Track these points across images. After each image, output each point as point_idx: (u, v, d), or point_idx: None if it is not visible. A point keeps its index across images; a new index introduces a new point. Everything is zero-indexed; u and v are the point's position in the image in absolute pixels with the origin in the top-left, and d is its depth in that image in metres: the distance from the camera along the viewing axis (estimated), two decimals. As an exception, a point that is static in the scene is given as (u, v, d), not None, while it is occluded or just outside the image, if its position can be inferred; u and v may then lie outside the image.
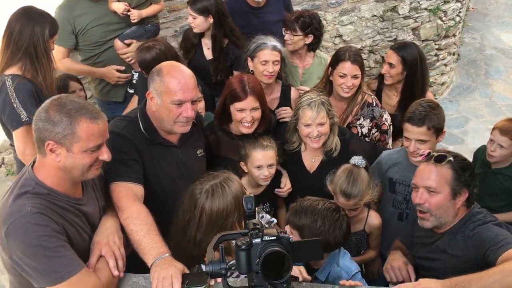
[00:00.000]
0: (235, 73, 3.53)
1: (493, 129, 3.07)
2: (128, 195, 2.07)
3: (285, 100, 3.29)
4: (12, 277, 1.87)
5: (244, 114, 2.70)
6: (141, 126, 2.32)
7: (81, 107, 1.75)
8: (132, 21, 3.58)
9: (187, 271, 1.85)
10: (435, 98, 6.56)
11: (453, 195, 2.07)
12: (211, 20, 3.43)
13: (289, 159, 2.94)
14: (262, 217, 2.61)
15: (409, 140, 2.57)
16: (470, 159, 3.53)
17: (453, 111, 6.50)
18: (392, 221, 2.80)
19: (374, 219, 2.74)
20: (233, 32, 3.54)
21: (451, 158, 2.08)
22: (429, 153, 2.17)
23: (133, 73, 3.67)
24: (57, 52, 3.32)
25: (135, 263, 1.98)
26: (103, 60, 3.64)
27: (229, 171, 2.25)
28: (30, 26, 2.71)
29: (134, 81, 3.67)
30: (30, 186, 1.77)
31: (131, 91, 3.65)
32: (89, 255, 1.89)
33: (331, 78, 3.12)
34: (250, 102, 2.69)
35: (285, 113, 3.17)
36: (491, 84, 7.05)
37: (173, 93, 2.19)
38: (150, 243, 1.91)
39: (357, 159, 2.60)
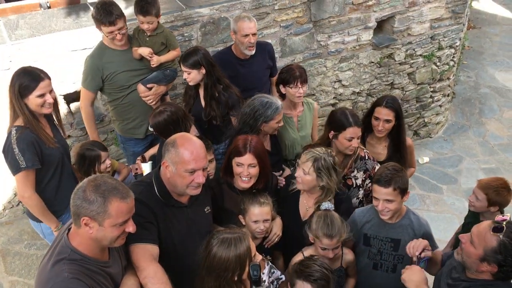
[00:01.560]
0: (233, 119, 3.82)
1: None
2: (146, 255, 2.33)
3: None
4: None
5: (242, 169, 2.97)
6: (156, 190, 2.57)
7: (113, 188, 2.02)
8: (152, 66, 3.88)
9: None
10: (430, 137, 6.84)
11: (482, 259, 2.23)
12: (203, 71, 3.72)
13: (288, 200, 3.22)
14: (273, 273, 2.84)
15: (377, 200, 2.85)
16: (462, 198, 3.81)
17: (448, 150, 6.73)
18: (367, 270, 3.11)
19: (348, 255, 3.06)
20: (222, 79, 3.84)
21: (502, 237, 2.18)
22: (502, 227, 2.23)
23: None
24: (85, 96, 3.79)
25: None
26: (128, 101, 3.97)
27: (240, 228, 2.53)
28: (12, 88, 2.99)
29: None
30: (66, 253, 2.03)
31: (151, 129, 3.91)
32: None
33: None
34: (248, 158, 2.97)
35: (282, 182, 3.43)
36: (484, 123, 7.29)
37: (187, 163, 2.45)
38: None
39: (326, 205, 2.92)
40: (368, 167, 3.42)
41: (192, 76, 3.73)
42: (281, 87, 3.84)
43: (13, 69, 3.80)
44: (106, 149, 3.62)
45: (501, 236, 2.17)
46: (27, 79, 2.96)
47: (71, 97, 4.51)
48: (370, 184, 3.42)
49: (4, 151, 3.04)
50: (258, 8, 4.76)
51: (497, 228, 2.19)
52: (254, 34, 3.95)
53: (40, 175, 3.12)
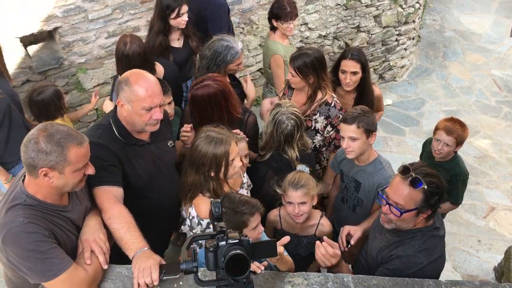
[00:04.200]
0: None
1: (437, 129, 3.43)
2: (109, 197, 2.35)
3: None
4: (8, 272, 2.15)
5: None
6: (115, 131, 2.56)
7: (68, 134, 1.99)
8: None
9: (163, 262, 2.16)
10: (395, 81, 6.95)
11: (417, 213, 2.31)
12: None
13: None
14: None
15: (343, 138, 2.93)
16: (424, 140, 3.93)
17: (411, 93, 6.88)
18: (338, 202, 3.28)
19: (325, 226, 2.99)
20: None
21: (425, 186, 2.22)
22: (408, 169, 2.27)
23: None
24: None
25: (116, 255, 2.27)
26: None
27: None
28: None
29: None
30: (22, 199, 2.02)
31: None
32: (76, 251, 2.17)
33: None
34: None
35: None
36: (448, 66, 7.44)
37: (142, 101, 2.42)
38: (130, 239, 2.20)
39: (301, 166, 2.92)
40: (330, 114, 3.44)
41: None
42: (273, 21, 4.01)
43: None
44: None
45: (424, 187, 2.22)
46: None
47: (28, 40, 4.34)
48: (332, 133, 3.45)
49: None
50: None
51: (414, 182, 2.23)
52: None
53: None
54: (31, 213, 2.00)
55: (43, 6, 4.15)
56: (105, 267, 2.16)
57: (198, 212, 2.64)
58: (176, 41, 3.88)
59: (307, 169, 2.91)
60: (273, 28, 4.04)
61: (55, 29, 4.30)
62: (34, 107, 3.46)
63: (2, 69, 3.17)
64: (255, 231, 2.47)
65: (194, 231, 2.67)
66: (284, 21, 3.94)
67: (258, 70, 5.65)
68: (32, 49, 4.43)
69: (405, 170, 2.28)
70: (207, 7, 4.00)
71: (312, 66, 3.28)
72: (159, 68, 3.43)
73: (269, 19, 4.06)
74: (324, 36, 5.86)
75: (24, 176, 2.09)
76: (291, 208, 2.84)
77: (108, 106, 3.55)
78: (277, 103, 3.16)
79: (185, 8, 3.66)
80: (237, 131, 3.03)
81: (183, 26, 3.74)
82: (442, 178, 2.31)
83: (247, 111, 3.25)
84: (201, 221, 2.63)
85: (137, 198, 2.61)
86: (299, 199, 2.80)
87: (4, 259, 2.02)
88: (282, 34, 4.05)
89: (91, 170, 2.12)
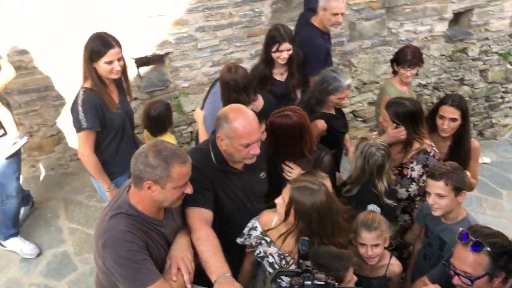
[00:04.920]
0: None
1: None
2: (200, 219, 2.43)
3: None
4: (101, 275, 2.28)
5: None
6: (212, 156, 2.66)
7: (173, 153, 2.11)
8: None
9: None
10: (495, 139, 6.58)
11: (490, 278, 2.16)
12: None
13: None
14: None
15: (429, 194, 2.80)
16: None
17: (512, 154, 6.46)
18: (419, 257, 3.12)
19: (395, 266, 2.89)
20: None
21: (488, 248, 2.12)
22: (467, 235, 2.20)
23: None
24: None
25: (199, 276, 2.33)
26: None
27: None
28: (85, 51, 3.08)
29: None
30: (125, 208, 2.16)
31: None
32: (163, 265, 2.26)
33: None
34: None
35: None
36: (556, 130, 6.91)
37: (241, 138, 2.50)
38: (215, 262, 2.24)
39: (372, 206, 2.84)
40: (429, 163, 3.33)
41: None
42: (394, 64, 4.11)
43: (92, 30, 4.04)
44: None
45: (487, 249, 2.10)
46: (98, 45, 3.05)
47: (141, 61, 4.69)
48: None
49: (71, 109, 3.20)
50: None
51: (476, 245, 2.12)
52: (342, 14, 4.05)
53: (100, 137, 3.25)
54: (131, 223, 2.13)
55: (159, 33, 4.48)
56: (188, 286, 2.22)
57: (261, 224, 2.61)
58: (279, 75, 3.98)
59: (378, 209, 2.84)
60: (394, 72, 4.14)
61: (167, 54, 4.62)
62: (152, 121, 3.74)
63: (126, 87, 3.40)
64: (349, 283, 2.36)
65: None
66: (402, 67, 4.01)
67: (351, 112, 5.62)
68: (143, 70, 4.79)
69: (464, 236, 2.18)
70: (303, 47, 4.12)
71: (405, 117, 3.22)
72: (259, 101, 3.54)
73: (391, 61, 4.18)
74: (424, 85, 5.72)
75: (129, 187, 2.23)
76: (364, 250, 2.76)
77: (198, 114, 3.73)
78: (362, 137, 3.14)
79: (286, 45, 3.75)
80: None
81: (282, 62, 3.84)
82: (506, 236, 2.18)
83: (323, 150, 3.21)
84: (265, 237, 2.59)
85: (223, 224, 2.67)
86: (372, 241, 2.73)
87: (101, 263, 2.15)
88: (400, 80, 4.10)
89: (189, 189, 2.21)
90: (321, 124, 3.50)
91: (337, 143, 3.78)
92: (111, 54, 3.06)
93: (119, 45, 3.12)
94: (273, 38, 3.75)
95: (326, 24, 4.11)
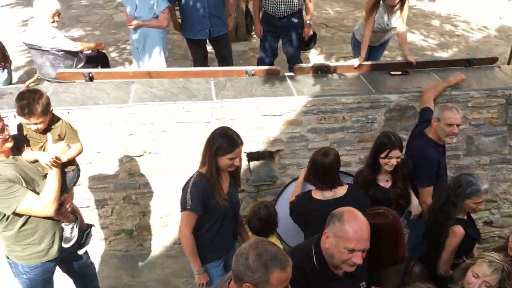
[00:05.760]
0: None
1: None
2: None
3: None
4: None
5: None
6: (314, 258, 2.63)
7: (274, 257, 2.12)
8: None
9: None
10: None
11: None
12: None
13: None
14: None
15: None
16: None
17: None
18: None
19: None
20: None
21: None
22: None
23: None
24: None
25: None
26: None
27: None
28: (211, 144, 3.27)
29: None
30: None
31: None
32: None
33: None
34: None
35: None
36: None
37: (348, 241, 2.47)
38: None
39: None
40: None
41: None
42: None
43: (213, 123, 4.38)
44: None
45: None
46: (226, 143, 3.25)
47: (253, 156, 4.91)
48: None
49: (183, 188, 3.39)
50: (450, 102, 4.66)
51: None
52: (458, 125, 3.97)
53: (202, 221, 3.38)
54: None
55: (272, 131, 4.70)
56: None
57: None
58: (384, 181, 3.90)
59: None
60: None
61: (277, 151, 4.79)
62: (261, 222, 3.86)
63: (237, 178, 3.58)
64: None
65: None
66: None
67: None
68: (253, 164, 4.98)
69: None
70: (414, 157, 4.05)
71: None
72: None
73: None
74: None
75: (230, 280, 2.27)
76: None
77: None
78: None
79: (396, 153, 3.71)
80: None
81: (389, 169, 3.77)
82: None
83: (411, 259, 3.01)
84: None
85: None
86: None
87: None
88: None
89: None
90: (459, 230, 3.38)
91: (467, 252, 3.59)
92: (236, 152, 3.27)
93: (242, 143, 3.33)
94: (383, 144, 3.75)
95: (440, 135, 4.04)
